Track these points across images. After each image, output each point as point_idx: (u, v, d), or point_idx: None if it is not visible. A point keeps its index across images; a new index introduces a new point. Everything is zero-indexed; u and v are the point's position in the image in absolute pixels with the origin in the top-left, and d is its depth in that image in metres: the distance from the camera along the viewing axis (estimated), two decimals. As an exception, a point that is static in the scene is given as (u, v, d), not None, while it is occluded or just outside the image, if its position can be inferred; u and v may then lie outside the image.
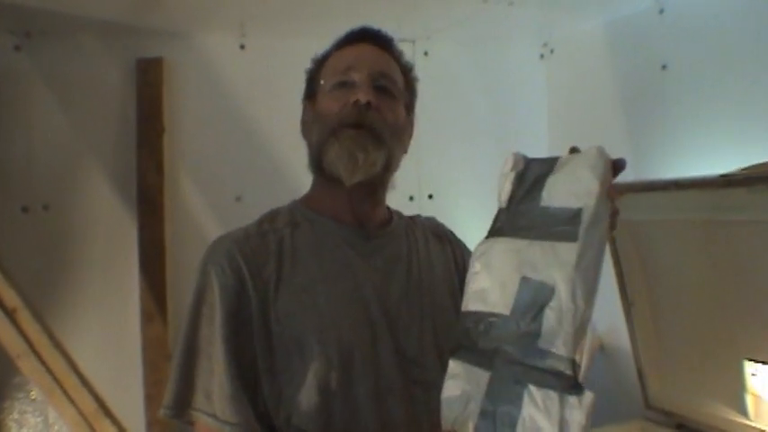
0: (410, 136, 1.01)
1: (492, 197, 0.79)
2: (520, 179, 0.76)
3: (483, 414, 0.68)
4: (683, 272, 1.46)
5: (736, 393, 1.39)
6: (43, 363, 1.71)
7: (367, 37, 0.97)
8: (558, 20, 2.01)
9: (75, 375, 1.77)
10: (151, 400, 1.81)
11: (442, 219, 1.10)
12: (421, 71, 1.04)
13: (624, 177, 0.74)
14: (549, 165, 0.75)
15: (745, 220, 1.26)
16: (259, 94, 1.95)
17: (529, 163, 0.77)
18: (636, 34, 1.84)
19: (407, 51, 1.03)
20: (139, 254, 1.85)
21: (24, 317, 1.70)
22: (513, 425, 0.65)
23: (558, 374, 0.64)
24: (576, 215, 0.69)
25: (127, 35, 1.85)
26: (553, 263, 0.68)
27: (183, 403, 0.84)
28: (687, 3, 1.67)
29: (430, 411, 0.79)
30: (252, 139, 1.96)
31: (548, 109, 2.25)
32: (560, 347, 0.65)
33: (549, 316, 0.66)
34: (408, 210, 1.07)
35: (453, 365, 0.72)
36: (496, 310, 0.70)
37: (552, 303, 0.66)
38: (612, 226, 0.75)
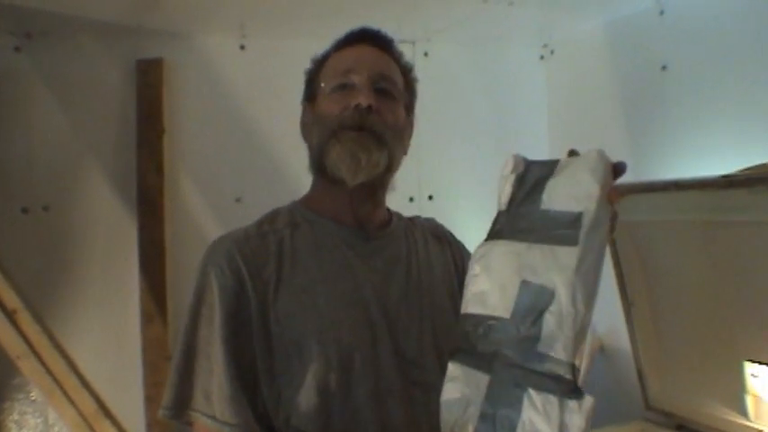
0: (410, 136, 1.01)
1: (492, 198, 0.79)
2: (520, 181, 0.76)
3: (483, 417, 0.68)
4: (684, 273, 1.46)
5: (736, 394, 1.39)
6: (43, 364, 1.71)
7: (367, 38, 0.96)
8: (558, 20, 2.01)
9: (75, 376, 1.77)
10: (151, 400, 1.81)
11: (441, 220, 1.10)
12: (421, 72, 1.04)
13: (624, 178, 0.74)
14: (549, 167, 0.75)
15: (745, 221, 1.25)
16: (259, 94, 1.94)
17: (529, 165, 0.77)
18: (636, 35, 1.84)
19: (407, 52, 1.03)
20: (139, 254, 1.85)
21: (24, 318, 1.70)
22: (512, 428, 0.65)
23: (557, 378, 0.64)
24: (576, 219, 0.69)
25: (127, 36, 1.85)
26: (553, 266, 0.68)
27: (182, 404, 0.84)
28: (687, 3, 1.67)
29: (429, 413, 0.79)
30: (252, 140, 1.95)
31: (548, 110, 2.24)
32: (560, 351, 0.65)
33: (549, 320, 0.66)
34: (408, 211, 1.07)
35: (452, 368, 0.72)
36: (496, 313, 0.70)
37: (552, 307, 0.66)
38: (612, 229, 0.74)
